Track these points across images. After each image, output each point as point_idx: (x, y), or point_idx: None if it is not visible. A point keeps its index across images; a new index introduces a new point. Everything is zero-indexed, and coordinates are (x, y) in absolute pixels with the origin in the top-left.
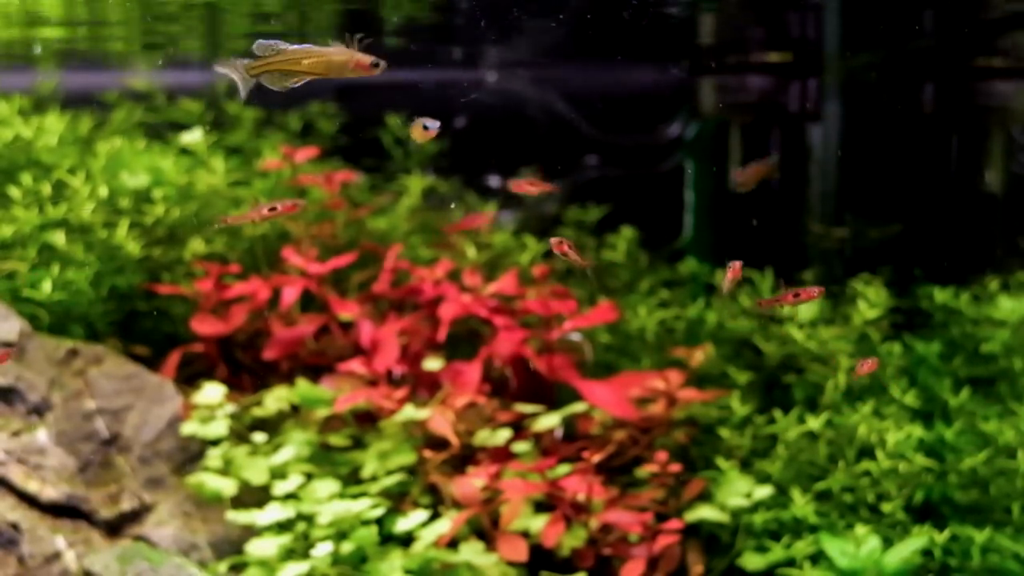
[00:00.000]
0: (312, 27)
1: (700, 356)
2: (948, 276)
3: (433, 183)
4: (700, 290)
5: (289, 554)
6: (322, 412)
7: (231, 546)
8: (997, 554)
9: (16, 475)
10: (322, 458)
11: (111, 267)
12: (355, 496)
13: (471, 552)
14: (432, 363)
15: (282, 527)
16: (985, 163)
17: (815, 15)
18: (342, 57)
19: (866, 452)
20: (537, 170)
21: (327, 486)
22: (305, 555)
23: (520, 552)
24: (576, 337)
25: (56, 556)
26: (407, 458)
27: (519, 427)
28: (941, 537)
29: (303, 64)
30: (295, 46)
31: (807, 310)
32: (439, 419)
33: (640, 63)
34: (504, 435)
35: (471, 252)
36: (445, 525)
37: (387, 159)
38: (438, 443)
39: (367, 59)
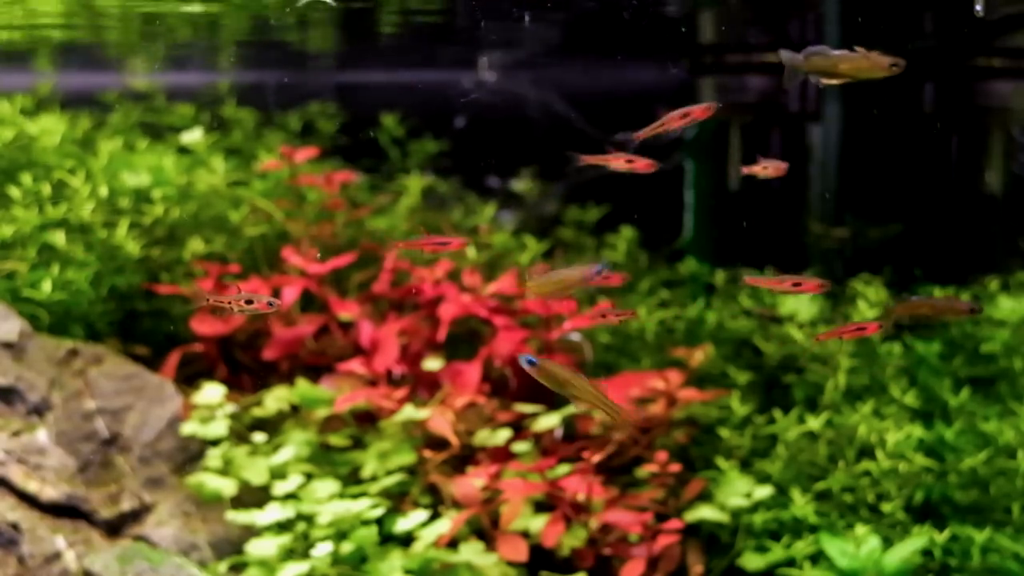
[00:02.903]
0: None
1: (700, 356)
2: (948, 276)
3: (432, 183)
4: (700, 290)
5: (289, 554)
6: (322, 412)
7: (231, 546)
8: (997, 554)
9: (16, 475)
10: (322, 458)
11: (111, 267)
12: (355, 496)
13: (471, 552)
14: (432, 363)
15: (282, 527)
16: (985, 163)
17: (815, 15)
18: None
19: (866, 452)
20: (535, 170)
21: (327, 486)
22: (305, 555)
23: (520, 552)
24: (576, 337)
25: (56, 556)
26: (407, 458)
27: (519, 427)
28: (941, 537)
29: (840, 68)
30: (837, 52)
31: (807, 310)
32: (439, 419)
33: (640, 62)
34: (504, 435)
35: (471, 252)
36: (445, 525)
37: (386, 159)
38: (438, 443)
39: (886, 60)
